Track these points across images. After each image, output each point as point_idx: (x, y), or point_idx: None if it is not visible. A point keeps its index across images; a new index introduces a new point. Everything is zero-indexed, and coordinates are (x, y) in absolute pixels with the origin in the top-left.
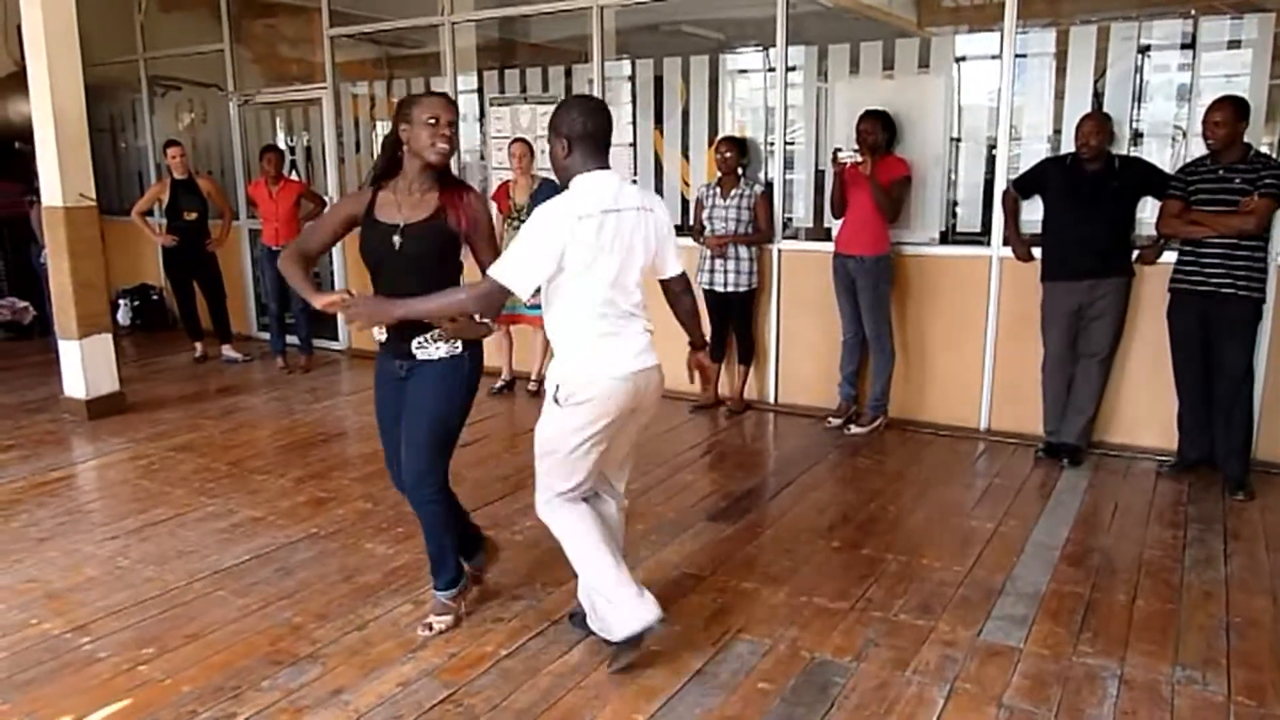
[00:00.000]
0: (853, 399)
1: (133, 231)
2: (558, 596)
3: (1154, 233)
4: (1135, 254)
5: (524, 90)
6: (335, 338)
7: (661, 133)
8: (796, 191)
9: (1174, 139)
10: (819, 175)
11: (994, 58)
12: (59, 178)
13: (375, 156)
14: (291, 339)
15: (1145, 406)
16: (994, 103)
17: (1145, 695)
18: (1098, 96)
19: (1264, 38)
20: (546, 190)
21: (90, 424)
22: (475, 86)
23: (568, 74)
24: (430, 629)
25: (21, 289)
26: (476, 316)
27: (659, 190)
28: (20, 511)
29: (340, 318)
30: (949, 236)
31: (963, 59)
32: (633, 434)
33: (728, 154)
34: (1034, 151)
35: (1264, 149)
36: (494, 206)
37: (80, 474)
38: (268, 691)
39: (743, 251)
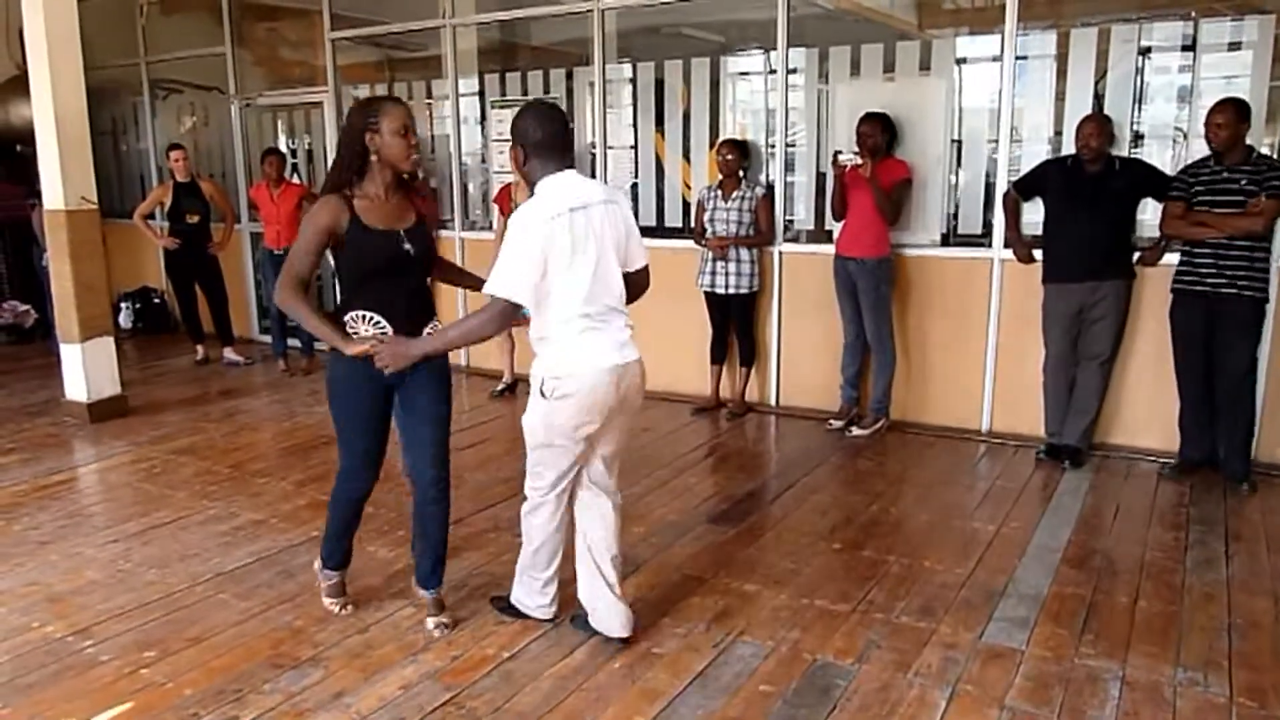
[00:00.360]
0: (854, 401)
1: (134, 234)
2: (559, 599)
3: (1155, 234)
4: (1136, 256)
5: (525, 93)
6: None
7: (663, 135)
8: (797, 194)
9: (1174, 141)
10: (820, 177)
11: (995, 60)
12: (60, 181)
13: (335, 161)
14: (293, 342)
15: (1146, 408)
16: (995, 105)
17: (1147, 697)
18: (1098, 98)
19: (1264, 39)
20: None
21: (92, 427)
22: (477, 89)
23: (569, 77)
24: (448, 626)
25: (23, 292)
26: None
27: (660, 193)
28: (22, 515)
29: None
30: (950, 238)
31: (963, 61)
32: (620, 429)
33: (729, 156)
34: (1035, 153)
35: (1265, 150)
36: (496, 209)
37: (82, 477)
38: (269, 694)
39: (744, 254)
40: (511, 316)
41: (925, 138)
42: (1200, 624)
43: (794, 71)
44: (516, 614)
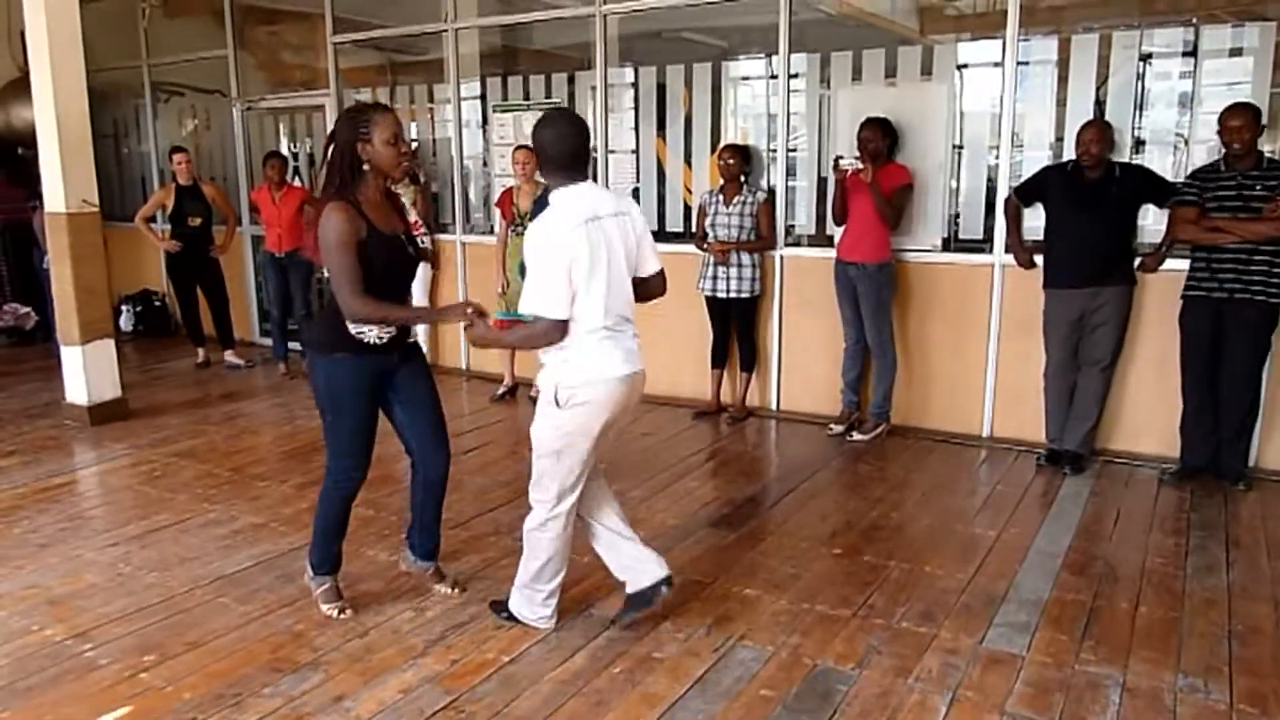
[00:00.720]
0: (855, 406)
1: (135, 237)
2: (559, 601)
3: (1156, 240)
4: (1137, 261)
5: (527, 97)
6: None
7: (664, 140)
8: (799, 199)
9: (1175, 147)
10: (821, 182)
11: (996, 65)
12: (62, 183)
13: (329, 170)
14: (294, 345)
15: (1147, 414)
16: (996, 110)
17: (1147, 703)
18: (1099, 104)
19: (1265, 45)
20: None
21: (92, 429)
22: (479, 93)
23: (571, 81)
24: (457, 583)
25: (24, 294)
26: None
27: (661, 197)
28: (22, 517)
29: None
30: (951, 244)
31: (964, 67)
32: (615, 434)
33: (730, 161)
34: (1036, 159)
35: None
36: (497, 213)
37: (82, 480)
38: (269, 699)
39: (745, 258)
40: (561, 331)
41: (926, 143)
42: (1201, 630)
43: (795, 76)
44: (516, 621)
